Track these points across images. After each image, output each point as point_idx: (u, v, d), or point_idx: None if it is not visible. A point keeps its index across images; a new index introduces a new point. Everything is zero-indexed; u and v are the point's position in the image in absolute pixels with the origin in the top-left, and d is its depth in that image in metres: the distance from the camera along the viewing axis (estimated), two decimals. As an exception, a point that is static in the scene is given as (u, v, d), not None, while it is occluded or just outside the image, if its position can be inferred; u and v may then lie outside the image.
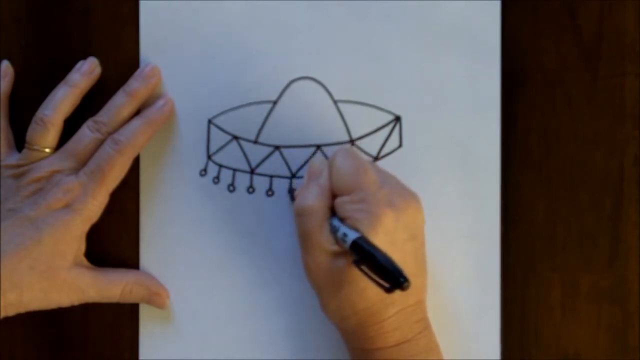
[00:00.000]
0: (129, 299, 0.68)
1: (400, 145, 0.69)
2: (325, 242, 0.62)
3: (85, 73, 0.68)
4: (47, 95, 0.68)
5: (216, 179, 0.70)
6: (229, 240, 0.69)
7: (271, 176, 0.69)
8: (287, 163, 0.69)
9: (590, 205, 0.69)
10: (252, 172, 0.69)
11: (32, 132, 0.67)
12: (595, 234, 0.69)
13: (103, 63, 0.69)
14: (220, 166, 0.69)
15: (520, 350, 0.69)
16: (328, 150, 0.69)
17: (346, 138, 0.69)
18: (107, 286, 0.67)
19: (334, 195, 0.64)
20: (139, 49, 0.69)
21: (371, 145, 0.69)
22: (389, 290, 0.57)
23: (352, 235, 0.60)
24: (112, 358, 0.70)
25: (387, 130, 0.69)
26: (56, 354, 0.70)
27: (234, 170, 0.70)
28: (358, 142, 0.69)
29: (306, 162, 0.69)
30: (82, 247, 0.68)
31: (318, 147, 0.69)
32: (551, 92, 0.69)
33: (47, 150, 0.67)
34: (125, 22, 0.69)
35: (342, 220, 0.62)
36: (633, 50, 0.69)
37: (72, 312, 0.68)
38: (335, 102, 0.69)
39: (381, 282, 0.58)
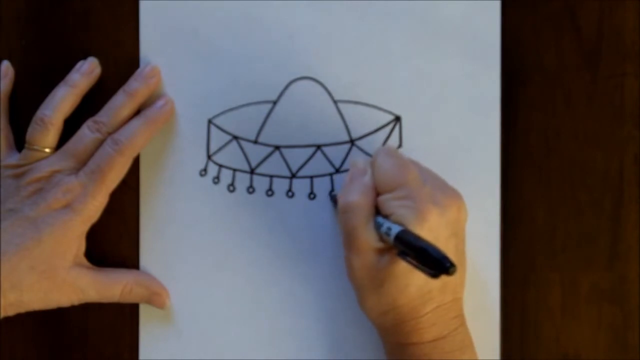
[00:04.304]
0: (129, 299, 0.68)
1: (400, 145, 0.69)
2: (370, 238, 0.62)
3: (85, 73, 0.68)
4: (47, 95, 0.68)
5: (216, 179, 0.70)
6: (229, 240, 0.69)
7: (271, 176, 0.69)
8: (287, 163, 0.69)
9: (590, 205, 0.69)
10: (252, 172, 0.69)
11: (32, 132, 0.67)
12: (595, 234, 0.69)
13: (103, 63, 0.69)
14: (220, 166, 0.69)
15: (520, 350, 0.69)
16: (328, 150, 0.69)
17: (346, 138, 0.69)
18: (107, 286, 0.67)
19: (377, 194, 0.64)
20: (139, 49, 0.69)
21: (371, 145, 0.69)
22: (435, 276, 0.57)
23: (395, 229, 0.60)
24: (112, 358, 0.70)
25: (387, 130, 0.69)
26: (56, 354, 0.70)
27: (234, 170, 0.69)
28: (358, 142, 0.69)
29: (306, 162, 0.69)
30: (82, 247, 0.68)
31: (318, 147, 0.69)
32: (551, 92, 0.69)
33: (47, 150, 0.67)
34: (125, 22, 0.69)
35: (386, 217, 0.62)
36: (633, 50, 0.69)
37: (72, 312, 0.68)
38: (335, 102, 0.69)
39: (426, 270, 0.57)
